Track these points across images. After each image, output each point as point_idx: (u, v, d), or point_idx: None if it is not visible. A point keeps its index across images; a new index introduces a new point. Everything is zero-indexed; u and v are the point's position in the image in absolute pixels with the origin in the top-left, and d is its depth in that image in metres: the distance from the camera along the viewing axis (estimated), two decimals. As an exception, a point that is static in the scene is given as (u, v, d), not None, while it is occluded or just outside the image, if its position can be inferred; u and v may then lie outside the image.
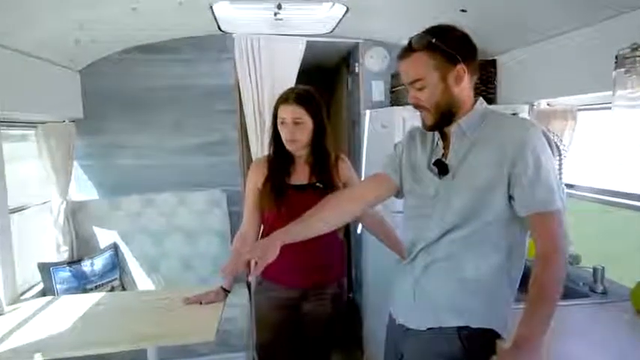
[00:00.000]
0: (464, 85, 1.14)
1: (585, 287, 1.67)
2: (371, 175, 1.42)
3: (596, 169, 2.13)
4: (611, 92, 1.36)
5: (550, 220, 1.08)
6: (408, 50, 1.14)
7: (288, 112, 1.64)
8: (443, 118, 1.16)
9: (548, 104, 2.05)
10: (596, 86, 1.58)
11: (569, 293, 1.69)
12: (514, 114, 2.15)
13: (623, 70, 1.31)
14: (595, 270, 1.64)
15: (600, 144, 2.04)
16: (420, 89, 1.14)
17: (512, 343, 1.03)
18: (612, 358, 1.21)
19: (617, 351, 1.24)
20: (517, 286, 1.19)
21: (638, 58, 1.27)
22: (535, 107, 2.10)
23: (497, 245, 1.14)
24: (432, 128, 1.19)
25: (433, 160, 1.21)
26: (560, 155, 1.81)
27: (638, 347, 1.26)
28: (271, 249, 1.21)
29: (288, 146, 1.67)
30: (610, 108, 1.38)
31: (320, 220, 1.33)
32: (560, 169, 1.83)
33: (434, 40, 1.10)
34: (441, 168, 1.18)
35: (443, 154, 1.20)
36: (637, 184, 1.71)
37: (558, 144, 1.80)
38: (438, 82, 1.12)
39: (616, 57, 1.33)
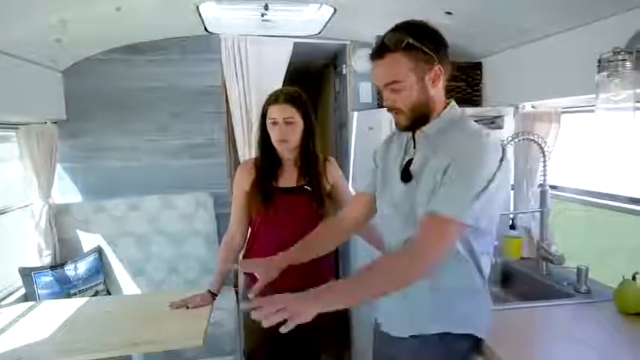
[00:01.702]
0: (439, 86, 1.12)
1: (569, 287, 1.69)
2: (356, 197, 1.43)
3: (580, 171, 2.16)
4: (594, 95, 1.38)
5: (439, 224, 1.03)
6: (383, 51, 1.08)
7: (279, 112, 1.63)
8: (418, 119, 1.13)
9: (532, 107, 2.08)
10: (580, 89, 1.60)
11: (552, 293, 1.72)
12: (499, 117, 2.18)
13: (605, 73, 1.33)
14: (579, 270, 1.66)
15: (584, 146, 2.07)
16: (396, 91, 1.10)
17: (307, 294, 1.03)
18: (595, 358, 1.23)
19: (600, 350, 1.25)
20: (487, 288, 1.20)
21: (620, 62, 1.29)
22: (520, 110, 2.13)
23: (460, 252, 1.11)
24: (406, 129, 1.16)
25: (403, 165, 1.19)
26: (544, 157, 1.84)
27: (621, 347, 1.28)
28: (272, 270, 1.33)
29: (279, 147, 1.66)
30: (593, 111, 1.40)
31: (315, 248, 1.40)
32: (544, 171, 1.85)
33: (411, 41, 1.05)
34: (404, 174, 1.16)
35: (411, 160, 1.18)
36: (619, 186, 1.75)
37: (542, 146, 1.83)
38: (416, 83, 1.08)
39: (599, 61, 1.35)
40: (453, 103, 1.17)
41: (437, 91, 1.12)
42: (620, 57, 1.29)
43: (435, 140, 1.13)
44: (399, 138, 1.27)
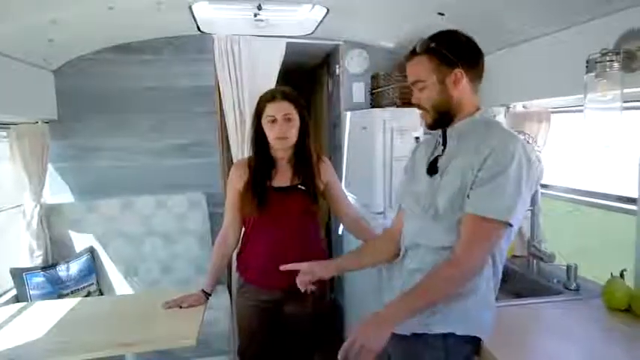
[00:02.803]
0: (463, 89, 1.18)
1: (559, 284, 1.72)
2: (397, 214, 1.42)
3: (570, 170, 2.19)
4: (582, 95, 1.41)
5: (480, 226, 1.08)
6: (412, 53, 1.20)
7: (278, 109, 1.63)
8: (442, 119, 1.21)
9: (523, 106, 2.10)
10: (569, 89, 1.62)
11: (542, 290, 1.74)
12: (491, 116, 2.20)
13: (593, 74, 1.35)
14: (568, 267, 1.68)
15: (574, 145, 2.10)
16: (421, 90, 1.20)
17: (371, 316, 1.07)
18: (584, 354, 1.25)
19: (588, 346, 1.28)
20: (497, 289, 1.21)
21: (607, 63, 1.31)
22: (511, 109, 2.15)
23: None
24: (431, 127, 1.24)
25: (430, 160, 1.25)
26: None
27: (609, 343, 1.30)
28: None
29: (277, 144, 1.65)
30: (582, 111, 1.42)
31: (366, 258, 1.44)
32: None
33: (433, 45, 1.15)
34: (431, 167, 1.22)
35: (439, 156, 1.23)
36: (608, 184, 1.77)
37: (533, 145, 1.85)
38: (436, 84, 1.17)
39: (587, 61, 1.38)
40: (487, 108, 1.24)
41: (461, 94, 1.18)
42: (607, 58, 1.31)
43: (468, 137, 1.18)
44: (427, 141, 1.34)
